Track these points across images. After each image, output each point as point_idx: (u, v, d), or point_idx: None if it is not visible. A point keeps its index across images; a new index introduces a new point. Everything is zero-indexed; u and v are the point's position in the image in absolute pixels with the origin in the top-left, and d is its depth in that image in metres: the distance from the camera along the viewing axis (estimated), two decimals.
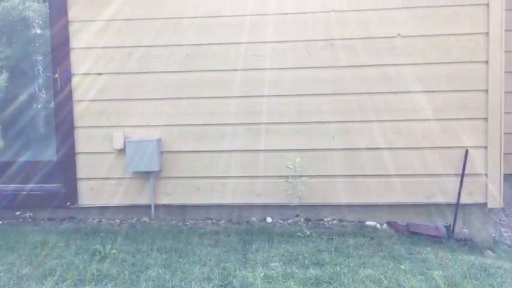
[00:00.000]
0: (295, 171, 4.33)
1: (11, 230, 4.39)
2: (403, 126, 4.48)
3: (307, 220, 4.51)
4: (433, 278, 3.18)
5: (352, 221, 4.58)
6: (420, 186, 4.50)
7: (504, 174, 4.44)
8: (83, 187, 4.73)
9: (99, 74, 4.66)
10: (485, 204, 4.46)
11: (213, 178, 4.63)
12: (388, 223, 4.52)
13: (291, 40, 4.52)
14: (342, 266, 3.38)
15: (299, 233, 4.13)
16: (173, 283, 3.12)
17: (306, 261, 3.48)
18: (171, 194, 4.68)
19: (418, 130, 4.47)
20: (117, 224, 4.65)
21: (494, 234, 4.74)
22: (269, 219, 4.65)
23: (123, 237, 4.10)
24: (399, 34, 4.42)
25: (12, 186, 4.86)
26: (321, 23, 4.49)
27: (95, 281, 3.16)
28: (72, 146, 4.70)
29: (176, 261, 3.49)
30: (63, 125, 4.70)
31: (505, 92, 4.36)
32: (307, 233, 4.12)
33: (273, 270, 3.32)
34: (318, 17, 4.49)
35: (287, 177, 4.39)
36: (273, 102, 4.56)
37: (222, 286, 3.07)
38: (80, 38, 4.65)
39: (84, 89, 4.68)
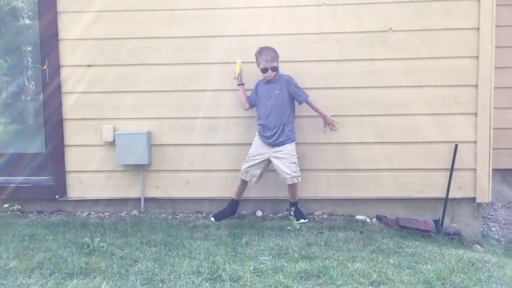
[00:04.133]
0: None
1: None
2: (394, 121, 4.49)
3: None
4: (422, 272, 3.21)
5: (342, 215, 4.59)
6: (410, 181, 4.51)
7: (493, 169, 4.47)
8: (72, 180, 4.69)
9: (89, 65, 4.61)
10: (474, 198, 4.50)
11: (203, 171, 4.61)
12: (378, 217, 4.53)
13: (284, 33, 4.50)
14: (331, 260, 3.39)
15: (289, 227, 4.13)
16: (162, 276, 3.12)
17: (296, 255, 3.49)
18: (161, 187, 4.66)
19: (408, 125, 4.49)
20: (107, 217, 4.62)
21: (482, 229, 4.79)
22: (259, 213, 4.64)
23: (112, 230, 4.08)
24: (390, 28, 4.42)
25: (0, 178, 4.81)
26: (313, 16, 4.47)
27: (83, 274, 3.15)
28: (61, 138, 4.65)
29: (165, 255, 3.48)
30: (52, 117, 4.65)
31: (494, 88, 4.38)
32: (297, 226, 4.13)
33: (262, 263, 3.32)
34: (310, 10, 4.47)
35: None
36: None
37: (211, 279, 3.07)
38: (69, 29, 4.60)
39: (74, 81, 4.63)
